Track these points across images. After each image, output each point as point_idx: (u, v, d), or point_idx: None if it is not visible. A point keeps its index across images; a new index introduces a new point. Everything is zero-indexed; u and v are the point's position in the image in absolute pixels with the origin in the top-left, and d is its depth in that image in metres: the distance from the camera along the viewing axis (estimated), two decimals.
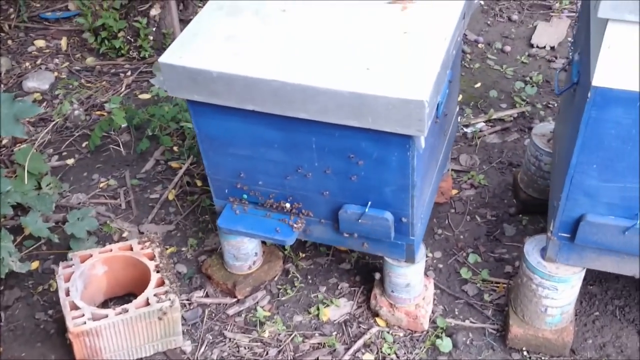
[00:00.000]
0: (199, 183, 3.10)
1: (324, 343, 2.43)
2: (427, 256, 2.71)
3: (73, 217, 2.74)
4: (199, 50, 2.04)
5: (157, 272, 2.39)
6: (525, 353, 2.35)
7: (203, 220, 2.93)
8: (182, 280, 2.68)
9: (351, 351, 2.39)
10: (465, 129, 3.32)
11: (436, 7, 2.12)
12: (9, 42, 4.09)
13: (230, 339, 2.46)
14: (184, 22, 3.96)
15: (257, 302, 2.58)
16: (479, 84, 3.62)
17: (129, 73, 3.85)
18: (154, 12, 3.86)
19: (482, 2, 4.21)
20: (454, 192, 2.99)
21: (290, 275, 2.67)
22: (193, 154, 3.20)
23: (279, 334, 2.47)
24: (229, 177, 2.30)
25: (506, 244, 2.75)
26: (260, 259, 2.63)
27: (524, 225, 2.83)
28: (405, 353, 2.38)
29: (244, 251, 2.52)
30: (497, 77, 3.67)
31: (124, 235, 2.89)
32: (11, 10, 4.29)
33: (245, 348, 2.43)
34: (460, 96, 3.52)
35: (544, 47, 3.83)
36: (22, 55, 4.01)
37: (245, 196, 2.34)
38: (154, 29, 3.90)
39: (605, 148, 1.87)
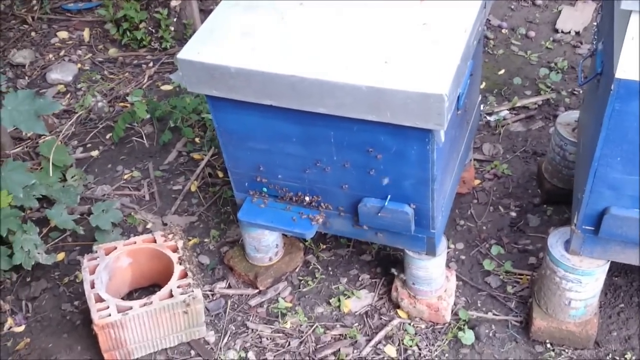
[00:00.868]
0: (220, 174, 3.12)
1: (346, 334, 2.44)
2: (449, 247, 2.69)
3: (98, 209, 2.78)
4: (216, 46, 2.04)
5: (180, 264, 2.42)
6: (548, 345, 2.34)
7: (225, 211, 2.95)
8: (204, 271, 2.70)
9: (372, 343, 2.40)
10: (488, 118, 3.28)
11: None
12: (32, 33, 4.13)
13: (252, 330, 2.49)
14: (204, 13, 3.97)
15: (279, 293, 2.60)
16: (502, 71, 3.57)
17: (150, 64, 3.87)
18: (175, 2, 3.87)
19: None
20: (477, 182, 2.96)
21: (311, 267, 2.68)
22: (214, 146, 3.22)
23: (301, 325, 2.49)
24: (248, 170, 2.31)
25: (530, 234, 2.73)
26: (281, 251, 2.64)
27: (549, 215, 2.80)
28: (427, 345, 2.38)
29: (265, 243, 2.54)
30: (521, 63, 3.61)
31: (148, 226, 2.92)
32: (34, 2, 4.33)
33: (267, 339, 2.46)
34: (484, 83, 3.48)
35: (569, 32, 3.75)
36: (45, 47, 4.05)
37: (265, 189, 2.34)
38: (174, 20, 3.91)
39: (629, 141, 1.84)
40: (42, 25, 4.22)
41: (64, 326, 2.53)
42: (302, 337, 2.45)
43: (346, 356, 2.37)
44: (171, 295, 2.33)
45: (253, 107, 2.08)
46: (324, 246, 2.76)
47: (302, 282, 2.64)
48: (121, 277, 2.53)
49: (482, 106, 3.32)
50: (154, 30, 3.95)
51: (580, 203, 2.05)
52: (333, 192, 2.25)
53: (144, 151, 3.30)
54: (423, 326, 2.44)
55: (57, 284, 2.70)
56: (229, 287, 2.65)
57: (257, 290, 2.61)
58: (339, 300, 2.55)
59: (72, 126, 3.49)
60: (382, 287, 2.59)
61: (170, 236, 2.53)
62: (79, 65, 3.89)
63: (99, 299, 2.31)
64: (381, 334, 2.42)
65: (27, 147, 3.37)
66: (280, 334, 2.47)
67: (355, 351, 2.39)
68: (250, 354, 2.41)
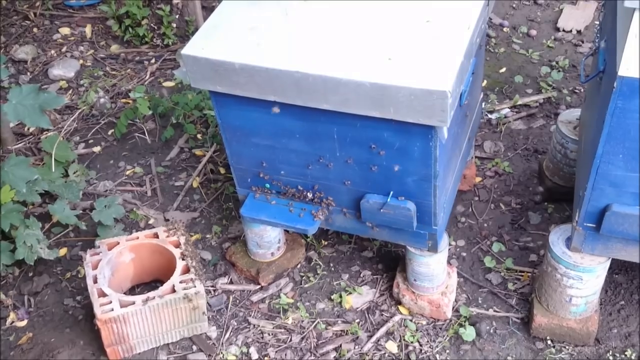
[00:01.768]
0: (222, 171, 3.12)
1: (347, 330, 2.45)
2: (450, 244, 2.70)
3: (100, 204, 2.79)
4: (220, 42, 2.05)
5: (183, 259, 2.43)
6: (549, 342, 2.35)
7: (227, 207, 2.96)
8: (206, 267, 2.71)
9: (374, 339, 2.41)
10: (489, 115, 3.29)
11: None
12: (35, 29, 4.13)
13: (254, 325, 2.50)
14: (207, 10, 3.97)
15: (281, 289, 2.61)
16: (504, 69, 3.58)
17: (152, 61, 3.88)
18: None
19: None
20: (478, 179, 2.97)
21: (312, 263, 2.69)
22: (216, 142, 3.22)
23: (302, 321, 2.50)
24: (251, 166, 2.32)
25: (531, 232, 2.74)
26: (283, 247, 2.65)
27: (550, 213, 2.81)
28: (428, 341, 2.39)
29: (267, 239, 2.55)
30: (522, 61, 3.62)
31: (150, 222, 2.93)
32: None
33: (269, 334, 2.47)
34: (485, 82, 3.49)
35: (570, 30, 3.76)
36: (47, 43, 4.05)
37: (267, 185, 2.35)
38: (177, 17, 3.92)
39: (631, 138, 1.84)
40: (44, 21, 4.23)
41: (66, 321, 2.54)
42: (303, 332, 2.46)
43: (347, 352, 2.38)
44: (174, 291, 2.34)
45: (257, 103, 2.09)
46: (326, 243, 2.77)
47: (304, 278, 2.65)
48: (124, 272, 2.54)
49: (483, 104, 3.33)
50: (156, 27, 3.95)
51: (581, 200, 2.05)
52: (336, 188, 2.26)
53: (146, 147, 3.31)
54: (424, 322, 2.45)
55: (59, 279, 2.71)
56: (231, 282, 2.66)
57: (258, 286, 2.62)
58: (340, 296, 2.56)
59: (75, 122, 3.49)
60: (383, 283, 2.60)
61: (173, 232, 2.54)
62: (81, 61, 3.90)
63: (102, 294, 2.31)
64: (382, 330, 2.43)
65: (29, 143, 3.38)
66: (282, 330, 2.48)
67: (357, 347, 2.40)
68: (252, 350, 2.42)
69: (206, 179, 3.12)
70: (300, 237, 2.73)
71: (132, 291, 2.61)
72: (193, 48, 2.05)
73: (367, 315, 2.50)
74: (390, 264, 2.64)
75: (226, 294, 2.61)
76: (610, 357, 2.29)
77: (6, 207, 2.60)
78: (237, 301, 2.59)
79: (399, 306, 2.50)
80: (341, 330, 2.46)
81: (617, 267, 2.54)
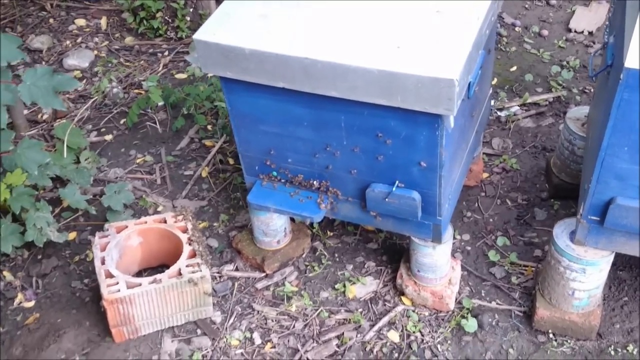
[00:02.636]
0: (231, 161, 3.15)
1: (350, 319, 2.47)
2: (455, 238, 2.72)
3: (110, 190, 2.83)
4: (232, 28, 2.08)
5: (190, 244, 2.46)
6: (551, 335, 2.35)
7: (234, 197, 2.99)
8: (213, 254, 2.74)
9: (376, 328, 2.42)
10: (499, 113, 3.30)
11: None
12: (51, 20, 4.19)
13: (258, 312, 2.52)
14: (220, 3, 4.00)
15: (285, 278, 2.63)
16: (514, 68, 3.59)
17: (166, 53, 3.92)
18: None
19: None
20: (485, 175, 2.98)
21: (317, 253, 2.71)
22: (226, 133, 3.26)
23: (306, 309, 2.52)
24: (259, 153, 2.35)
25: (536, 228, 2.74)
26: (288, 236, 2.67)
27: (556, 210, 2.81)
28: (430, 332, 2.41)
29: (273, 227, 2.57)
30: (533, 61, 3.63)
31: (159, 209, 2.96)
32: None
33: (272, 320, 2.49)
34: (495, 79, 3.50)
35: (582, 32, 3.77)
36: (63, 33, 4.11)
37: (275, 173, 2.38)
38: (191, 10, 3.96)
39: (636, 131, 1.85)
40: (60, 12, 4.28)
41: (73, 303, 2.58)
42: (306, 320, 2.48)
43: (350, 339, 2.39)
44: (180, 274, 2.37)
45: (266, 89, 2.12)
46: (331, 233, 2.79)
47: (309, 267, 2.67)
48: (131, 256, 2.57)
49: (493, 101, 3.35)
50: (170, 20, 3.99)
51: (586, 193, 2.06)
52: (342, 177, 2.28)
53: (157, 137, 3.35)
54: (427, 313, 2.46)
55: (67, 262, 2.75)
56: (237, 270, 2.69)
57: (264, 274, 2.65)
58: (344, 285, 2.58)
59: (87, 110, 3.54)
60: (387, 274, 2.61)
61: (181, 217, 2.57)
62: (96, 52, 3.95)
63: (109, 275, 2.35)
64: (385, 319, 2.44)
65: (42, 130, 3.43)
66: (285, 317, 2.50)
67: (359, 335, 2.41)
68: (255, 335, 2.44)
69: (215, 169, 3.15)
70: (306, 227, 2.75)
71: (139, 275, 2.64)
72: (205, 33, 2.08)
73: (370, 305, 2.52)
74: (395, 256, 2.66)
75: (231, 281, 2.64)
76: (612, 352, 2.29)
77: (18, 190, 2.64)
78: (242, 288, 2.61)
79: (402, 297, 2.52)
80: (344, 319, 2.48)
81: (622, 264, 2.54)
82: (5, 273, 2.69)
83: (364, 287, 2.58)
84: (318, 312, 2.50)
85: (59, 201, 2.94)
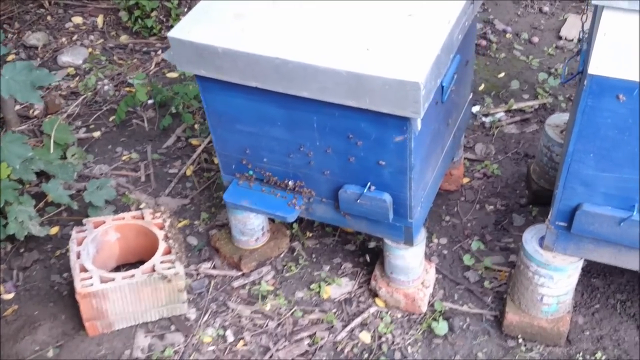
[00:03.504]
0: (215, 161, 3.18)
1: (323, 319, 2.48)
2: (432, 242, 2.73)
3: (92, 186, 2.86)
4: (206, 27, 2.10)
5: (166, 241, 2.48)
6: (520, 340, 2.36)
7: (217, 196, 3.01)
8: (192, 251, 2.77)
9: (348, 328, 2.44)
10: (484, 119, 3.31)
11: None
12: (48, 17, 4.24)
13: (232, 310, 2.54)
14: None
15: (262, 277, 2.65)
16: (502, 74, 3.60)
17: (159, 52, 3.96)
18: None
19: None
20: (466, 180, 2.99)
21: (295, 253, 2.73)
22: None
23: (280, 308, 2.53)
24: (235, 152, 2.37)
25: (513, 233, 2.75)
26: (266, 236, 2.69)
27: (534, 216, 2.82)
28: (401, 333, 2.42)
29: (250, 226, 2.59)
30: (522, 67, 3.64)
31: (142, 206, 2.99)
32: None
33: (246, 319, 2.51)
34: (483, 85, 3.51)
35: (572, 39, 3.77)
36: (59, 30, 4.15)
37: (250, 172, 2.40)
38: (185, 10, 3.99)
39: (601, 137, 1.86)
40: (57, 10, 4.33)
41: (51, 296, 2.61)
42: (280, 319, 2.50)
43: (321, 339, 2.41)
44: (153, 270, 2.39)
45: (240, 89, 2.14)
46: (310, 234, 2.81)
47: (286, 267, 2.69)
48: (109, 251, 2.60)
49: (478, 107, 3.36)
50: (164, 19, 4.03)
51: (554, 199, 2.07)
52: (315, 178, 2.30)
53: (144, 134, 3.38)
54: (399, 315, 2.47)
55: (48, 256, 2.78)
56: (214, 268, 2.71)
57: (240, 273, 2.67)
58: (319, 286, 2.59)
59: (78, 107, 3.58)
60: (363, 276, 2.63)
61: (159, 214, 2.59)
62: (90, 49, 3.99)
63: (83, 269, 2.37)
64: (357, 320, 2.46)
65: (32, 125, 3.47)
66: (259, 315, 2.52)
67: (331, 335, 2.43)
68: (228, 332, 2.46)
69: (200, 168, 3.17)
70: (285, 227, 2.77)
71: (117, 270, 2.66)
72: (179, 31, 2.11)
73: (344, 306, 2.53)
74: (373, 258, 2.67)
75: (208, 278, 2.66)
76: (580, 359, 2.29)
77: (2, 183, 2.68)
78: (219, 286, 2.63)
79: (376, 298, 2.53)
80: (317, 319, 2.49)
81: (596, 272, 2.54)
82: None
83: (339, 288, 2.59)
84: (292, 311, 2.52)
85: (44, 195, 2.97)
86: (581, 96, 1.82)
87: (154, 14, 4.01)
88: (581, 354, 2.31)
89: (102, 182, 2.87)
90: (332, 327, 2.46)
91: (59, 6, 4.36)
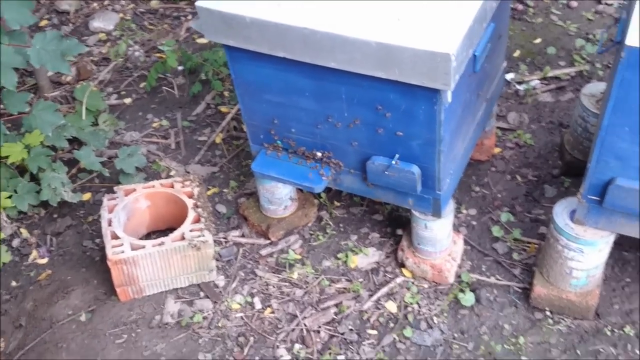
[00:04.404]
0: (244, 129, 3.17)
1: (349, 288, 2.50)
2: (461, 212, 2.71)
3: (123, 153, 2.89)
4: None
5: (195, 209, 2.51)
6: (548, 313, 2.35)
7: (246, 164, 3.02)
8: (221, 219, 2.79)
9: (375, 297, 2.45)
10: (517, 86, 3.24)
11: None
12: None
13: (260, 277, 2.57)
14: None
15: (289, 245, 2.67)
16: (538, 40, 3.50)
17: (189, 17, 3.94)
18: None
19: None
20: (497, 150, 2.94)
21: (323, 223, 2.74)
22: None
23: (307, 277, 2.56)
24: (263, 123, 2.36)
25: (544, 205, 2.71)
26: (294, 205, 2.70)
27: (566, 187, 2.77)
28: (427, 304, 2.42)
29: (278, 196, 2.60)
30: (559, 33, 3.53)
31: (171, 173, 3.02)
32: None
33: (273, 287, 2.54)
34: (518, 52, 3.43)
35: (613, 4, 3.64)
36: None
37: (279, 142, 2.40)
38: None
39: (637, 111, 1.81)
40: None
41: (84, 261, 2.67)
42: (307, 287, 2.52)
43: (347, 308, 2.43)
44: (183, 238, 2.42)
45: (268, 58, 2.12)
46: (338, 204, 2.81)
47: (313, 236, 2.70)
48: (139, 219, 2.64)
49: (512, 74, 3.28)
50: None
51: (587, 172, 2.03)
52: (343, 149, 2.29)
53: (174, 101, 3.39)
54: (426, 286, 2.48)
55: (81, 221, 2.84)
56: (242, 236, 2.73)
57: (268, 241, 2.69)
58: (346, 255, 2.60)
59: (109, 74, 3.60)
60: (390, 246, 2.63)
61: (188, 183, 2.62)
62: (121, 15, 3.99)
63: (115, 237, 2.42)
64: (384, 290, 2.47)
65: (64, 92, 3.50)
66: (287, 283, 2.55)
67: (357, 304, 2.45)
68: (256, 300, 2.50)
69: (229, 136, 3.18)
70: (313, 197, 2.77)
71: (147, 237, 2.71)
72: (208, 1, 2.09)
73: (370, 276, 2.54)
74: (400, 228, 2.66)
75: (237, 246, 2.69)
76: (609, 333, 2.28)
77: (35, 150, 2.73)
78: (247, 254, 2.66)
79: (402, 269, 2.53)
80: (344, 288, 2.51)
81: (628, 245, 2.50)
82: (22, 230, 2.80)
83: (366, 258, 2.60)
84: (319, 280, 2.54)
85: (77, 162, 3.01)
86: (617, 68, 1.76)
87: None
88: (609, 327, 2.29)
89: (132, 150, 2.90)
90: (359, 296, 2.48)
91: None
